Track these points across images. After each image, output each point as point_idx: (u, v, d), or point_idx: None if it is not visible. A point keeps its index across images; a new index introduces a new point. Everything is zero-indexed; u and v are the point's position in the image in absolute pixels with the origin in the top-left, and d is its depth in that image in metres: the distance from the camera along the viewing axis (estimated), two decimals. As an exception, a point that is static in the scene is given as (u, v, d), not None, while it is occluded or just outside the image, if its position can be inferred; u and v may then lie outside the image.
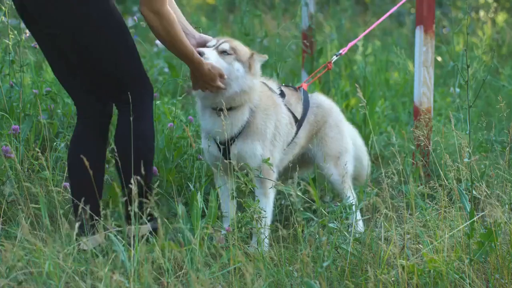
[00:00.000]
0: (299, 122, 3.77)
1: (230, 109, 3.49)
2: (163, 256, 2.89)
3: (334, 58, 4.02)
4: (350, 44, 4.10)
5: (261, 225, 3.29)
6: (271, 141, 3.60)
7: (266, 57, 3.61)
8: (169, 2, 3.54)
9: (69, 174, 3.37)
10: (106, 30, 3.27)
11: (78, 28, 3.23)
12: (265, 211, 3.45)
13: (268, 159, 3.49)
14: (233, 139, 3.54)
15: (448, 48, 6.20)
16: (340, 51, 4.03)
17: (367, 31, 4.26)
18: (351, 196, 3.92)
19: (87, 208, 2.96)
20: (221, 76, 3.45)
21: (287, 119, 3.69)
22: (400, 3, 4.38)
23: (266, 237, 3.38)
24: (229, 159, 3.51)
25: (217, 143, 3.56)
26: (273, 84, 3.80)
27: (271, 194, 3.59)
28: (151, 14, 3.29)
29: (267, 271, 2.97)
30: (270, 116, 3.60)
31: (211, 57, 3.44)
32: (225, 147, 3.53)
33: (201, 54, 3.41)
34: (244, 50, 3.56)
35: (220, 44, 3.52)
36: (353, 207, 3.70)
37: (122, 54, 3.33)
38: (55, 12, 3.21)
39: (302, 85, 3.92)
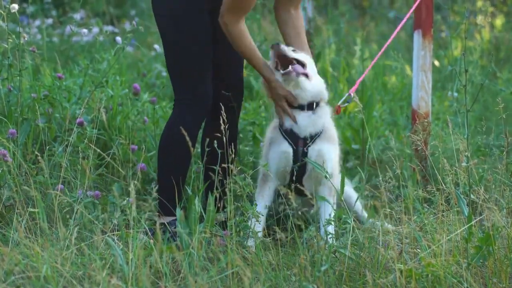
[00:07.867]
0: None
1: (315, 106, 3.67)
2: (161, 260, 2.89)
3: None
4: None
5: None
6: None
7: None
8: (294, 13, 3.77)
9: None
10: (164, 26, 3.61)
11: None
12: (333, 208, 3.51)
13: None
14: (310, 139, 3.61)
15: (446, 52, 6.21)
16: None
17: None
18: None
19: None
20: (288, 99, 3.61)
21: None
22: (414, 5, 4.30)
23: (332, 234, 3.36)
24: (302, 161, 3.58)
25: (292, 146, 3.61)
26: None
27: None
28: (223, 25, 3.52)
29: (265, 275, 2.97)
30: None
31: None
32: (302, 148, 3.60)
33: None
34: None
35: None
36: None
37: (170, 53, 3.61)
38: None
39: None
